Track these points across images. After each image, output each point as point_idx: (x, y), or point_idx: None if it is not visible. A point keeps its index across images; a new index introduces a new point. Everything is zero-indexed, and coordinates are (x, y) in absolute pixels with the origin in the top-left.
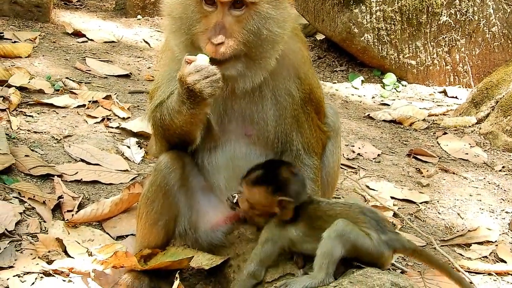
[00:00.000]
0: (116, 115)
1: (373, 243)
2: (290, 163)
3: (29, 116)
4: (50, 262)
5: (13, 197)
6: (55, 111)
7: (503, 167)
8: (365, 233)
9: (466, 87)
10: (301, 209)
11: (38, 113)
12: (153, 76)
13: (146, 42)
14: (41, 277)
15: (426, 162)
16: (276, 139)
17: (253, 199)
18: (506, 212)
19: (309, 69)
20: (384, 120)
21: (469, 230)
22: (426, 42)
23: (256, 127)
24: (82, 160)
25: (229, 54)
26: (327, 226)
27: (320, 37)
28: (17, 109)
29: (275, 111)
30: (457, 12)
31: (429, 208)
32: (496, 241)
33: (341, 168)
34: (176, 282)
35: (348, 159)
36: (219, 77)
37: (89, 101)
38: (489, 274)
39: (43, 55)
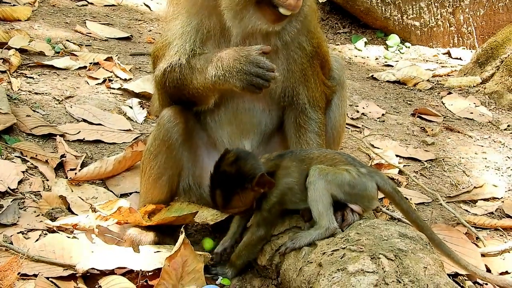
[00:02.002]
0: (118, 76)
1: (352, 175)
2: (223, 155)
3: (30, 77)
4: (53, 219)
5: (15, 156)
6: (56, 72)
7: (508, 125)
8: (342, 170)
9: (470, 49)
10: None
11: (38, 75)
12: (154, 39)
13: (147, 6)
14: (45, 234)
15: (430, 121)
16: (283, 94)
17: (237, 209)
18: None
19: (317, 23)
20: (388, 81)
21: (474, 187)
22: (430, 2)
23: None
24: (84, 120)
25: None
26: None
27: None
28: (18, 71)
29: (286, 65)
30: None
31: (434, 166)
32: (502, 197)
33: (346, 127)
34: (181, 237)
35: (352, 118)
36: (267, 85)
37: (90, 63)
38: (496, 229)
39: (43, 18)
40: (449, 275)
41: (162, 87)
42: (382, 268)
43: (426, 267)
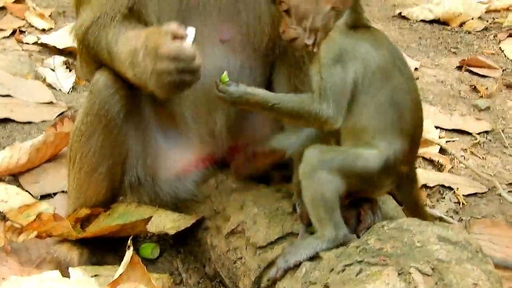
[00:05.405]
0: (33, 26)
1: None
2: None
3: None
4: None
5: None
6: None
7: None
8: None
9: None
10: None
11: None
12: None
13: None
14: None
15: (484, 76)
16: (271, 43)
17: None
18: None
19: None
20: (422, 20)
21: None
22: None
23: (242, 28)
24: None
25: None
26: None
27: None
28: None
29: None
30: None
31: (490, 140)
32: None
33: None
34: (128, 254)
35: None
36: (195, 79)
37: None
38: None
39: None
40: None
41: (84, 45)
42: (415, 287)
43: (476, 284)
